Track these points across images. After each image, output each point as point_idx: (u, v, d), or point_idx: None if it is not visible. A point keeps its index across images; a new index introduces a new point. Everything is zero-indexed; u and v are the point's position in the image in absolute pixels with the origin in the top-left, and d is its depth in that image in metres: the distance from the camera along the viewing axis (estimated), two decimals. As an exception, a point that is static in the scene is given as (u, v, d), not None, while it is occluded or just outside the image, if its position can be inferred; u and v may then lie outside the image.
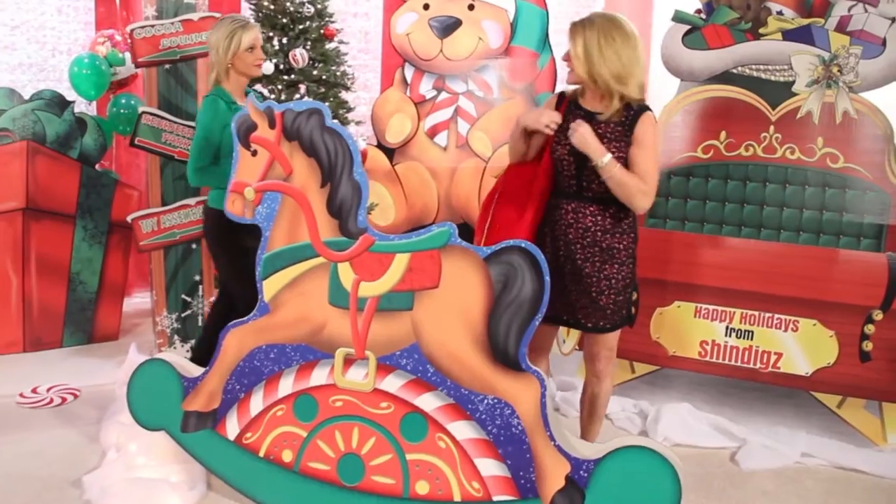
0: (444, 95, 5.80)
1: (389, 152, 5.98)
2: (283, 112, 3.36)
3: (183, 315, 4.71)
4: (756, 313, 4.30)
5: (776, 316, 4.26)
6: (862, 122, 4.84)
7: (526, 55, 5.82)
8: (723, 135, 5.07)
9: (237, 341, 3.54)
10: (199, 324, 4.71)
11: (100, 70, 5.61)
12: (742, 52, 5.03)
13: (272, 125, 3.37)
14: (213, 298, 4.75)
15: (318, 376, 3.45)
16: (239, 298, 4.06)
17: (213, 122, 3.96)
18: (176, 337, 4.74)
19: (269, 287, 3.47)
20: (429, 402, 3.26)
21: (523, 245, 3.07)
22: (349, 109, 5.27)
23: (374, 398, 3.35)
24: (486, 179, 5.70)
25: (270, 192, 3.44)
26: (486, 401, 3.19)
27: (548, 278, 3.04)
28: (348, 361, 3.39)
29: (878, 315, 4.10)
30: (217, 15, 4.64)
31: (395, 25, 5.91)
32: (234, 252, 4.06)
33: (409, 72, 5.91)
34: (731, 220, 5.09)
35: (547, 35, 5.83)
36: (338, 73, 5.16)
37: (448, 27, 5.75)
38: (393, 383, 3.32)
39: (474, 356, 3.16)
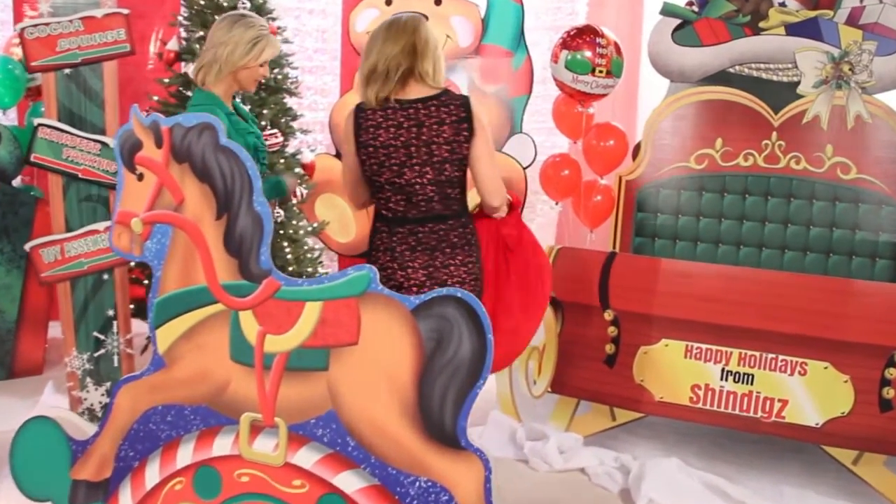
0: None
1: (350, 162, 5.29)
2: (170, 127, 2.69)
3: (96, 355, 4.05)
4: (757, 354, 3.63)
5: (780, 357, 3.59)
6: (877, 127, 4.22)
7: (499, 54, 5.25)
8: (719, 142, 4.46)
9: (130, 400, 2.96)
10: (115, 364, 4.05)
11: (14, 75, 4.96)
12: (740, 49, 4.39)
13: (159, 144, 2.71)
14: (129, 336, 4.09)
15: (222, 445, 2.87)
16: None
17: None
18: (88, 379, 4.08)
19: (163, 337, 2.88)
20: (349, 481, 2.68)
21: (459, 295, 2.42)
22: (294, 117, 4.61)
23: (285, 474, 2.76)
24: (457, 191, 5.01)
25: (160, 225, 2.78)
26: (417, 483, 2.60)
27: (490, 336, 2.40)
28: (255, 429, 2.80)
29: (900, 357, 3.43)
30: (125, 11, 3.96)
31: (354, 23, 5.32)
32: None
33: (370, 73, 5.21)
34: (729, 239, 4.47)
35: (522, 32, 5.25)
36: (279, 77, 4.47)
37: (412, 24, 5.06)
38: (307, 457, 2.73)
39: (403, 428, 2.54)
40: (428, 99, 2.94)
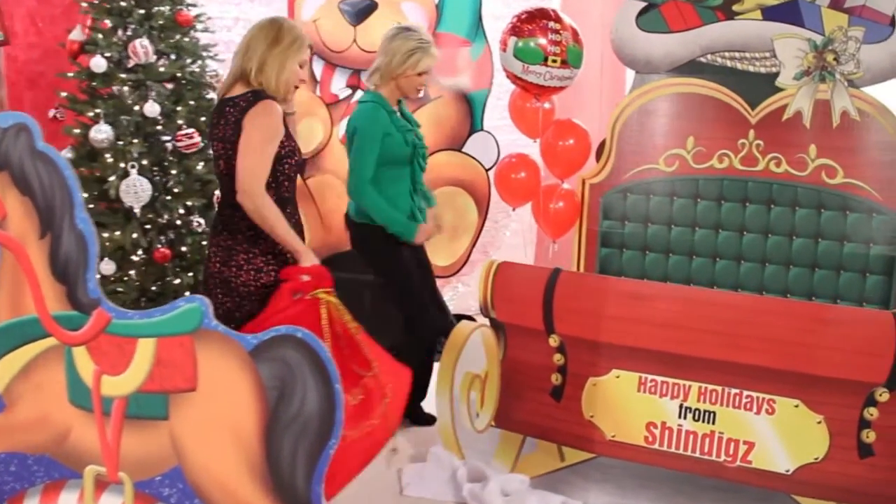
0: (360, 94, 4.66)
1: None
2: (-16, 128, 2.23)
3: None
4: (719, 389, 3.11)
5: (746, 393, 3.08)
6: (865, 124, 3.78)
7: (455, 44, 4.74)
8: (690, 142, 4.01)
9: (-30, 445, 2.50)
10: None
11: None
12: (711, 36, 3.92)
13: (-26, 146, 2.25)
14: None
15: (67, 501, 2.41)
16: (417, 319, 3.75)
17: (375, 131, 3.59)
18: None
19: (0, 374, 2.39)
20: (199, 553, 2.16)
21: (299, 335, 1.94)
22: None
23: (132, 540, 2.26)
24: (413, 195, 4.53)
25: (-17, 243, 2.33)
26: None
27: (338, 386, 1.92)
28: (101, 484, 2.38)
29: (882, 395, 2.89)
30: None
31: (300, 11, 4.83)
32: (402, 263, 3.76)
33: (318, 66, 4.80)
34: (704, 250, 4.00)
35: (480, 20, 4.78)
36: (195, 70, 4.01)
37: (362, 11, 4.72)
38: (154, 521, 2.23)
39: (251, 490, 2.08)
40: (236, 97, 2.98)
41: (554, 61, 3.87)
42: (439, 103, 4.70)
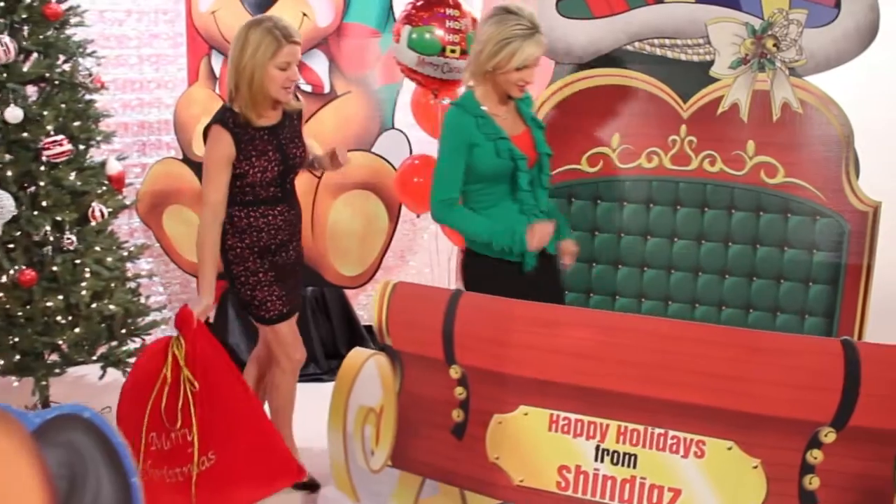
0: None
1: (198, 168, 4.29)
2: None
3: None
4: (640, 428, 2.61)
5: (671, 433, 2.58)
6: (809, 118, 3.32)
7: (364, 35, 4.18)
8: (616, 139, 3.54)
9: None
10: None
11: None
12: (639, 21, 3.46)
13: None
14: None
15: None
16: None
17: (457, 141, 2.92)
18: None
19: None
20: None
21: (86, 415, 1.51)
22: (96, 118, 3.56)
23: None
24: (321, 199, 4.03)
25: None
26: None
27: (135, 479, 1.63)
28: None
29: (828, 435, 2.41)
30: None
31: (197, 1, 4.24)
32: None
33: (217, 62, 4.22)
34: (631, 259, 3.55)
35: (391, 8, 4.27)
36: (66, 70, 3.44)
37: (263, 1, 4.10)
38: None
39: None
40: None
41: (453, 51, 3.38)
42: (346, 100, 4.20)
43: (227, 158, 2.98)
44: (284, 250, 3.20)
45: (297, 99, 3.17)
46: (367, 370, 3.07)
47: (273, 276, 3.17)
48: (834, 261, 3.33)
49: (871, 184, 3.27)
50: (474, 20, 3.49)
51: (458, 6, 3.42)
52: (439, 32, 3.38)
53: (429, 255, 4.62)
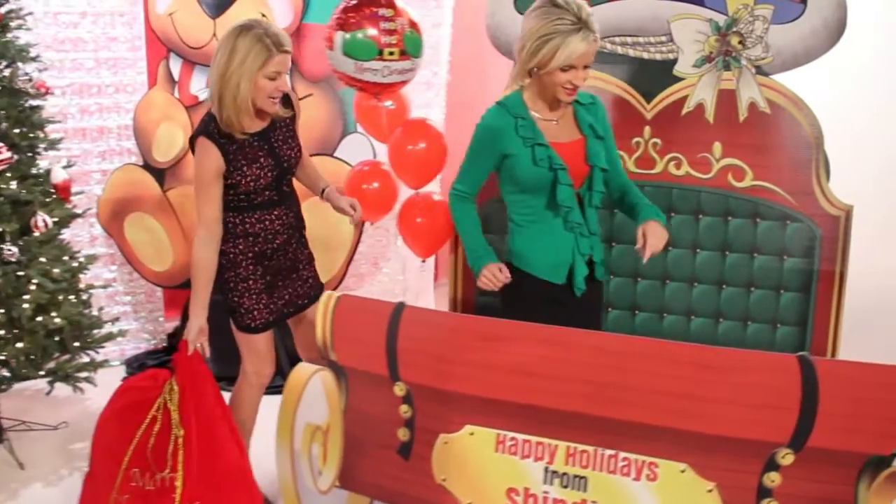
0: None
1: (159, 174, 4.15)
2: None
3: None
4: (590, 449, 2.43)
5: (622, 455, 2.40)
6: (777, 118, 3.16)
7: (325, 35, 3.96)
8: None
9: None
10: None
11: None
12: (601, 19, 3.12)
13: None
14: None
15: None
16: None
17: (485, 141, 2.67)
18: None
19: None
20: None
21: None
22: (40, 125, 3.40)
23: None
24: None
25: None
26: None
27: None
28: None
29: (785, 457, 2.22)
30: None
31: (154, 2, 4.08)
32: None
33: (175, 65, 4.07)
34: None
35: (352, 7, 3.93)
36: (5, 75, 3.29)
37: (221, 1, 4.01)
38: None
39: None
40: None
41: (391, 53, 3.17)
42: (308, 103, 4.00)
43: (216, 171, 2.77)
44: (281, 253, 3.00)
45: (290, 104, 2.94)
46: (314, 386, 2.91)
47: (264, 283, 2.98)
48: (805, 267, 3.16)
49: (843, 187, 3.09)
50: (411, 21, 3.30)
51: (391, 5, 3.22)
52: (373, 34, 3.18)
53: (403, 262, 4.45)
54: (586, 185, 2.63)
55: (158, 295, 4.49)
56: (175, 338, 4.40)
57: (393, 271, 4.62)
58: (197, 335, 2.83)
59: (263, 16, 3.99)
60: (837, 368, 2.24)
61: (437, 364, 2.63)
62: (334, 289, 4.08)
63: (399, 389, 2.70)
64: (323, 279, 4.01)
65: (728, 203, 3.19)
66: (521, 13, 3.29)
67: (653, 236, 2.58)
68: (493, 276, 2.69)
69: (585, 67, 2.51)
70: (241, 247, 2.92)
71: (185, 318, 4.29)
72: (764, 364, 2.32)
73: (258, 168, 2.83)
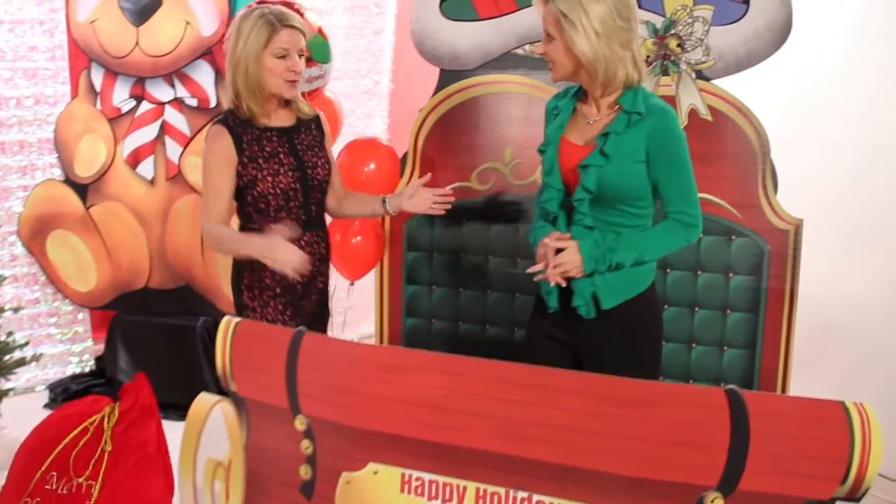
0: (145, 107, 3.71)
1: (82, 189, 3.86)
2: None
3: None
4: (502, 491, 2.14)
5: (536, 498, 2.11)
6: (720, 126, 2.88)
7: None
8: (508, 153, 3.10)
9: None
10: None
11: None
12: (530, 23, 3.00)
13: None
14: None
15: None
16: None
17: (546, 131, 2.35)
18: None
19: None
20: None
21: None
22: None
23: None
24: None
25: None
26: None
27: None
28: None
29: (714, 501, 1.93)
30: None
31: (75, 10, 3.80)
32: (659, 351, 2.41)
33: (97, 75, 3.78)
34: (529, 286, 2.98)
35: (280, 14, 3.66)
36: None
37: (144, 9, 3.68)
38: None
39: None
40: None
41: (310, 59, 2.88)
42: (234, 114, 3.71)
43: (224, 158, 2.44)
44: (311, 292, 2.65)
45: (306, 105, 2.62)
46: (216, 418, 2.62)
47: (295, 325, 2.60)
48: (753, 285, 2.88)
49: (792, 199, 2.81)
50: (317, 27, 3.01)
51: (290, 7, 2.94)
52: None
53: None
54: (576, 196, 2.23)
55: (81, 317, 4.18)
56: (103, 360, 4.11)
57: (338, 290, 4.32)
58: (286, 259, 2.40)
59: (188, 23, 3.71)
60: (770, 403, 1.95)
61: (338, 396, 2.34)
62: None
63: (300, 423, 2.40)
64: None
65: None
66: (449, 18, 3.03)
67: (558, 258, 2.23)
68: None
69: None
70: (266, 280, 2.57)
71: (110, 339, 4.00)
72: (688, 398, 2.03)
73: (277, 164, 2.50)
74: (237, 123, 2.48)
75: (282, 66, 2.43)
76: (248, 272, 2.57)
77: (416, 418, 2.23)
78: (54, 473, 2.58)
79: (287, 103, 2.54)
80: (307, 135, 2.59)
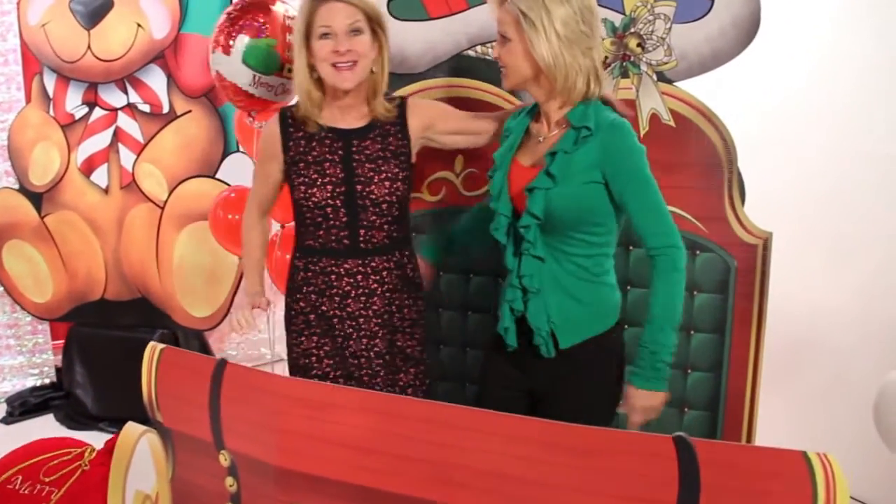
0: (98, 113, 3.47)
1: (37, 198, 3.61)
2: None
3: None
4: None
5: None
6: (683, 132, 2.57)
7: (204, 47, 3.45)
8: (459, 162, 2.80)
9: None
10: None
11: None
12: (480, 22, 2.73)
13: None
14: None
15: None
16: None
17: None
18: None
19: None
20: None
21: None
22: None
23: None
24: (165, 232, 3.34)
25: None
26: None
27: None
28: None
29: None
30: None
31: (26, 13, 3.55)
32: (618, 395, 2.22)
33: (50, 80, 3.52)
34: (481, 304, 2.75)
35: (233, 16, 3.40)
36: None
37: (95, 12, 3.43)
38: None
39: None
40: None
41: (290, 70, 2.61)
42: (187, 120, 3.49)
43: (267, 150, 2.20)
44: (358, 332, 2.27)
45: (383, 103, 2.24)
46: (143, 449, 2.38)
47: (331, 365, 2.30)
48: (719, 304, 2.61)
49: (760, 212, 2.54)
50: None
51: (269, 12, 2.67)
52: (276, 44, 2.60)
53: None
54: (523, 223, 1.97)
55: (41, 328, 3.94)
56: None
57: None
58: (253, 304, 2.35)
59: (139, 26, 3.46)
60: (723, 452, 1.69)
61: (260, 432, 2.09)
62: (220, 322, 3.54)
63: (224, 459, 2.16)
64: (205, 313, 3.51)
65: (628, 230, 2.63)
66: (397, 18, 2.75)
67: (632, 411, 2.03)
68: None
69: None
70: (301, 303, 2.29)
71: (66, 352, 3.78)
72: (633, 446, 1.76)
73: (316, 172, 2.15)
74: (292, 117, 2.19)
75: (327, 47, 2.06)
76: (288, 292, 2.37)
77: (341, 459, 1.98)
78: (19, 477, 2.50)
79: (343, 94, 2.14)
80: (375, 142, 2.20)
